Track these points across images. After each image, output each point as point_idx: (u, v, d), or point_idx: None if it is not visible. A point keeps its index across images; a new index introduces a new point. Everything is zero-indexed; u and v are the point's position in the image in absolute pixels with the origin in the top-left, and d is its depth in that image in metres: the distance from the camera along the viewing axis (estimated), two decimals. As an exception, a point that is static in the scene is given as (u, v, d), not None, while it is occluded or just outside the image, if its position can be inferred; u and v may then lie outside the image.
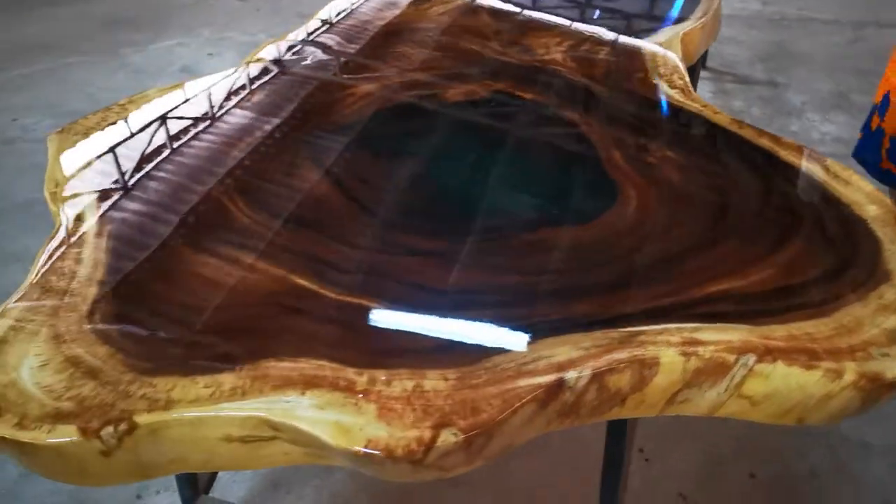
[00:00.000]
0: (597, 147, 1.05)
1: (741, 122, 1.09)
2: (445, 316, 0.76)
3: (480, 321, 0.75)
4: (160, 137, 1.07)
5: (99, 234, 0.87)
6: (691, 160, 1.01)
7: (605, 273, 0.82)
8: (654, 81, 1.22)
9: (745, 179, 0.98)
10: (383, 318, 0.76)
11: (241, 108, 1.15)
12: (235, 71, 1.26)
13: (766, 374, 0.70)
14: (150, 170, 1.00)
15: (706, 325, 0.74)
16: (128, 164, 1.01)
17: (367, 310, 0.77)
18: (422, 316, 0.76)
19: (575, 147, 1.06)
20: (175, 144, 1.05)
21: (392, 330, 0.75)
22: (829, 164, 0.99)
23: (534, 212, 0.92)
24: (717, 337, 0.72)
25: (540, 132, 1.09)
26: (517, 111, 1.15)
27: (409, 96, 1.18)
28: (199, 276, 0.81)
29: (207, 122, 1.10)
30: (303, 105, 1.16)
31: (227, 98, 1.17)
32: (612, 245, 0.86)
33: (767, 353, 0.70)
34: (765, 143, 1.04)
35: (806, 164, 1.00)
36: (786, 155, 1.02)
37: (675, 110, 1.14)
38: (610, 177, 0.99)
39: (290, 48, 1.37)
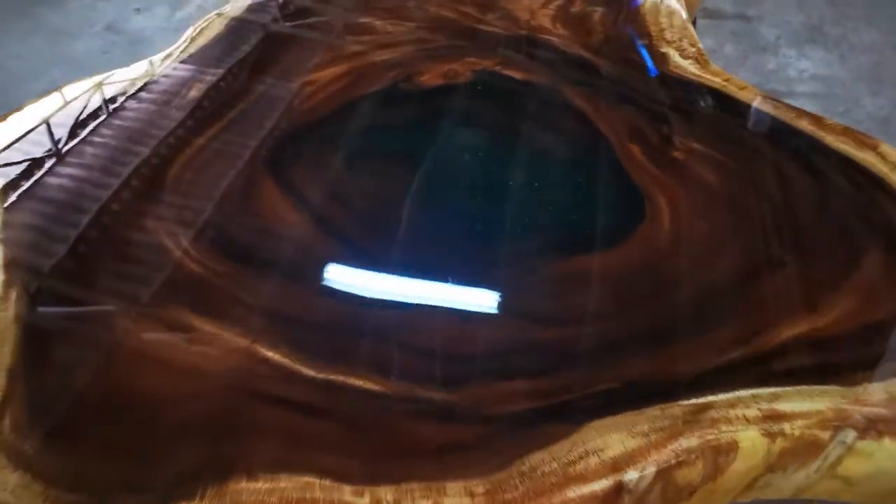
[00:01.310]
0: (611, 141, 0.88)
1: (775, 99, 0.94)
2: (463, 396, 0.60)
3: (511, 404, 0.59)
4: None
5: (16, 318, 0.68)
6: (724, 153, 0.86)
7: (648, 316, 0.66)
8: (663, 50, 1.05)
9: (791, 175, 0.83)
10: (383, 404, 0.60)
11: (175, 107, 0.95)
12: (186, 42, 1.05)
13: (869, 452, 0.57)
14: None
15: (786, 388, 0.60)
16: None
17: (360, 393, 0.61)
18: (432, 398, 0.60)
19: (585, 142, 0.89)
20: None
21: (396, 421, 0.59)
22: (883, 151, 0.84)
23: (546, 234, 0.76)
24: (804, 407, 0.58)
25: (539, 124, 0.92)
26: (508, 97, 0.97)
27: (377, 83, 0.99)
28: (138, 354, 0.64)
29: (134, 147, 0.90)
30: (254, 104, 0.96)
31: (165, 100, 0.97)
32: (651, 275, 0.71)
33: (870, 427, 0.56)
34: (805, 125, 0.89)
35: (857, 153, 0.84)
36: (833, 141, 0.86)
37: (694, 87, 0.98)
38: (632, 180, 0.82)
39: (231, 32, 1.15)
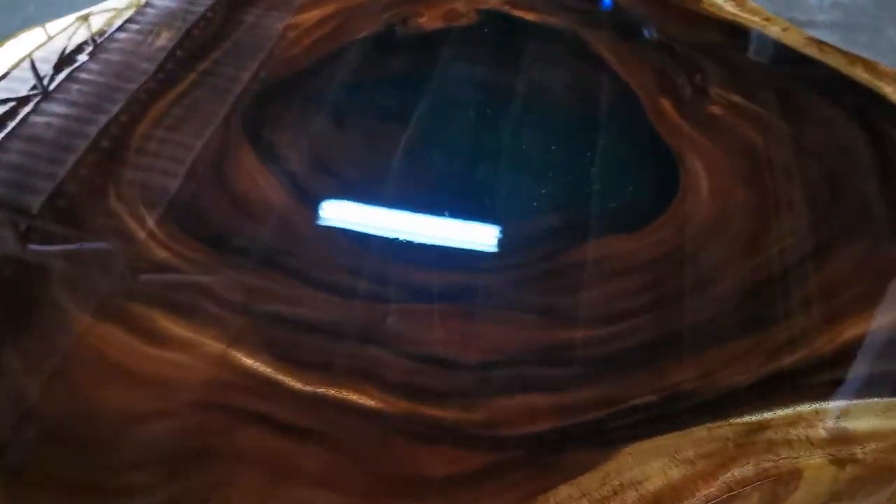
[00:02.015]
0: (637, 94, 0.77)
1: (820, 42, 0.82)
2: (475, 413, 0.51)
3: (530, 424, 0.51)
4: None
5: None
6: (768, 107, 0.75)
7: (687, 314, 0.57)
8: (694, -15, 0.93)
9: (846, 134, 0.72)
10: (381, 423, 0.51)
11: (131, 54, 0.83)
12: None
13: (954, 479, 0.48)
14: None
15: (854, 401, 0.51)
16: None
17: (354, 410, 0.52)
18: (438, 417, 0.51)
19: (607, 95, 0.78)
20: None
21: (395, 445, 0.50)
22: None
23: (564, 210, 0.66)
24: (876, 424, 0.50)
25: (554, 75, 0.81)
26: (519, 42, 0.85)
27: (369, 27, 0.87)
28: (98, 353, 0.55)
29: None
30: (233, 50, 0.84)
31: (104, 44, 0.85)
32: (690, 260, 0.61)
33: (956, 450, 0.48)
34: (860, 73, 0.78)
35: (922, 106, 0.74)
36: (892, 92, 0.75)
37: (730, 29, 0.86)
38: (663, 141, 0.72)
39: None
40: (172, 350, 0.55)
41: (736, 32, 0.85)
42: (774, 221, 0.63)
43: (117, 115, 0.73)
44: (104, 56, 0.81)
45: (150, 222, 0.64)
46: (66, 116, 0.74)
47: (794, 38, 0.83)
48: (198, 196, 0.67)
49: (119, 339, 0.56)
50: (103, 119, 0.73)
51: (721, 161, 0.69)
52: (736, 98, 0.75)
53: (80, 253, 0.62)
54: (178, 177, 0.68)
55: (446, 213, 0.65)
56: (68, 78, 0.78)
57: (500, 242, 0.63)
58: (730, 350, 0.54)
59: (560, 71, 0.80)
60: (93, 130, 0.72)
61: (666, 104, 0.75)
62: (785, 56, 0.81)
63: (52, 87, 0.77)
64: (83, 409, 0.52)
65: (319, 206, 0.66)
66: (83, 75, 0.79)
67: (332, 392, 0.52)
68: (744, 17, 0.87)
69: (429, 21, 0.88)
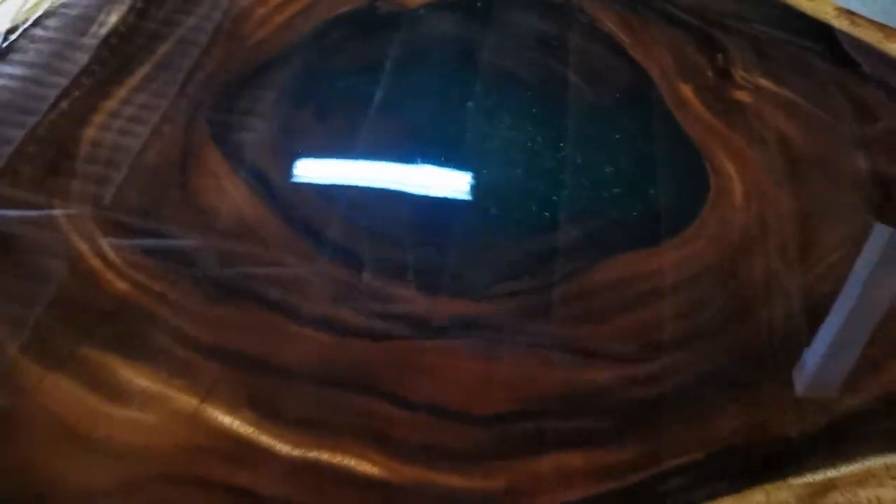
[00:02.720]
0: (653, 77, 0.69)
1: (852, 13, 0.74)
2: (496, 479, 0.44)
3: (563, 490, 0.43)
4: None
5: None
6: (801, 92, 0.67)
7: (732, 346, 0.50)
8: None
9: (890, 121, 0.65)
10: (390, 496, 0.44)
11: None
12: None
13: None
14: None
15: (931, 452, 0.44)
16: None
17: (353, 480, 0.44)
18: (454, 482, 0.44)
19: (619, 79, 0.69)
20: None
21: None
22: None
23: (576, 221, 0.58)
24: (959, 481, 0.43)
25: (557, 57, 0.72)
26: (518, 19, 0.76)
27: (347, 3, 0.77)
28: (47, 413, 0.46)
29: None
30: (192, 32, 0.74)
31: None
32: (728, 279, 0.54)
33: None
34: (897, 50, 0.70)
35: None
36: (935, 72, 0.68)
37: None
38: (685, 134, 0.64)
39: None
40: (135, 407, 0.47)
41: (758, 5, 0.76)
42: (822, 229, 0.56)
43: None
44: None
45: (104, 245, 0.55)
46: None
47: (821, 9, 0.74)
48: (157, 208, 0.58)
49: (72, 395, 0.48)
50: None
51: (754, 158, 0.61)
52: (763, 81, 0.67)
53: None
54: (133, 184, 0.59)
55: (445, 227, 0.57)
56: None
57: (509, 262, 0.55)
58: (784, 392, 0.47)
59: (563, 53, 0.71)
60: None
61: (686, 91, 0.67)
62: (815, 33, 0.72)
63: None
64: (31, 486, 0.44)
65: (304, 221, 0.57)
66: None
67: (325, 457, 0.45)
68: (764, -16, 0.78)
69: (413, -6, 0.78)
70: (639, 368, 0.49)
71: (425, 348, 0.50)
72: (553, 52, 0.71)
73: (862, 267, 0.53)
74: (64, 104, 0.63)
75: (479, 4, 0.77)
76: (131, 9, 0.73)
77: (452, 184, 0.61)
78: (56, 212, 0.56)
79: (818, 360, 0.48)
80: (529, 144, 0.63)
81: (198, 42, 0.71)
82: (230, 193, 0.59)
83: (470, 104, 0.66)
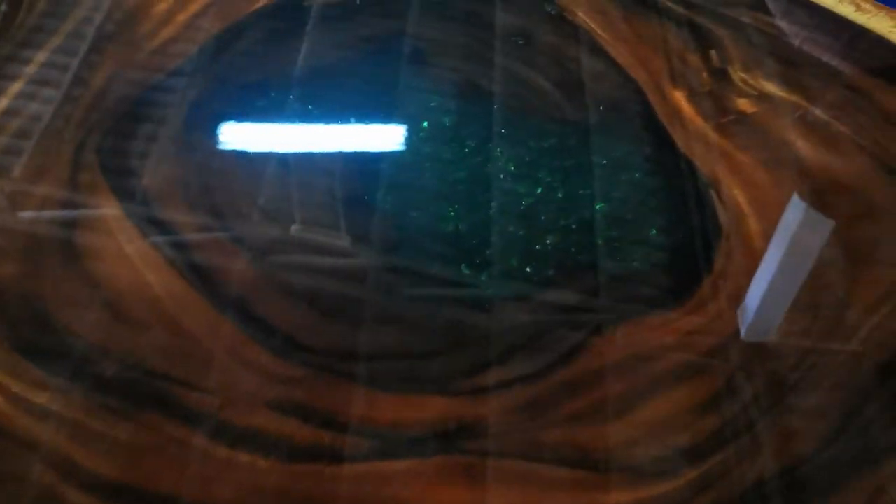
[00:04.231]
0: (639, 82, 0.58)
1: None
2: None
3: None
4: None
5: None
6: (815, 100, 0.57)
7: (780, 448, 0.40)
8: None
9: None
10: None
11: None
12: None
13: None
14: None
15: None
16: None
17: None
18: None
19: (598, 85, 0.58)
20: None
21: None
22: None
23: (569, 282, 0.47)
24: None
25: (524, 61, 0.60)
26: (474, 14, 0.63)
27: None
28: None
29: None
30: (71, 39, 0.59)
31: None
32: (753, 368, 0.44)
33: None
34: (914, 42, 0.60)
35: None
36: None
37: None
38: (682, 154, 0.53)
39: None
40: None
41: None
42: (863, 276, 0.47)
43: None
44: None
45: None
46: None
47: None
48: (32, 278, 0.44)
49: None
50: None
51: (768, 186, 0.51)
52: (769, 86, 0.57)
53: None
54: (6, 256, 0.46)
55: (414, 295, 0.45)
56: None
57: (494, 339, 0.44)
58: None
59: (530, 56, 0.59)
60: None
61: (679, 98, 0.56)
62: (818, 21, 0.62)
63: None
64: None
65: (230, 302, 0.45)
66: None
67: None
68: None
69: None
70: (663, 487, 0.38)
71: (397, 469, 0.39)
72: (514, 53, 0.59)
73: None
74: None
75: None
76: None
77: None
78: None
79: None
80: (501, 178, 0.52)
81: (77, 52, 0.57)
82: (138, 268, 0.46)
83: (418, 135, 0.54)
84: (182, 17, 0.61)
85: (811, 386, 0.41)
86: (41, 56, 0.57)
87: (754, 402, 0.41)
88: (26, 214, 0.48)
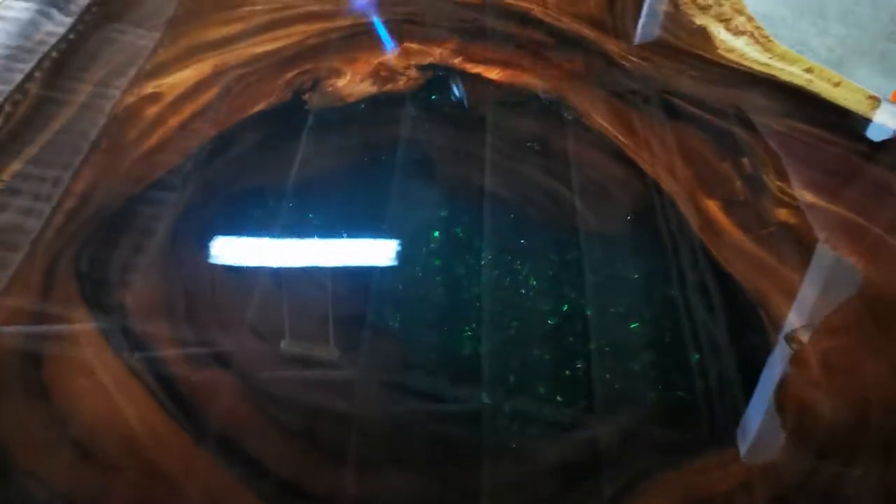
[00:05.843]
0: (667, 190, 0.53)
1: (872, 97, 0.61)
2: None
3: None
4: None
5: None
6: (860, 210, 0.52)
7: None
8: (699, 23, 0.70)
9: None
10: None
11: None
12: None
13: None
14: None
15: None
16: None
17: None
18: None
19: (625, 198, 0.54)
20: None
21: None
22: None
23: (592, 436, 0.41)
24: None
25: (543, 168, 0.56)
26: (485, 118, 0.60)
27: (265, 96, 0.59)
28: None
29: None
30: (53, 147, 0.55)
31: None
32: None
33: None
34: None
35: None
36: None
37: (764, 84, 0.63)
38: (722, 268, 0.48)
39: None
40: None
41: (773, 88, 0.62)
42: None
43: None
44: None
45: None
46: None
47: (851, 96, 0.61)
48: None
49: None
50: None
51: (820, 304, 0.46)
52: (808, 196, 0.53)
53: None
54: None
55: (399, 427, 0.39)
56: None
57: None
58: None
59: (548, 163, 0.55)
60: None
61: (713, 208, 0.52)
62: (847, 124, 0.59)
63: None
64: None
65: (186, 411, 0.39)
66: None
67: None
68: (776, 66, 0.65)
69: (350, 84, 0.62)
70: None
71: None
72: (530, 159, 0.55)
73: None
74: None
75: (434, 99, 0.61)
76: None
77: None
78: None
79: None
80: (508, 301, 0.46)
81: (56, 161, 0.52)
82: (117, 401, 0.40)
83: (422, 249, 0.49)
84: (175, 121, 0.57)
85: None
86: (15, 166, 0.52)
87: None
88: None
